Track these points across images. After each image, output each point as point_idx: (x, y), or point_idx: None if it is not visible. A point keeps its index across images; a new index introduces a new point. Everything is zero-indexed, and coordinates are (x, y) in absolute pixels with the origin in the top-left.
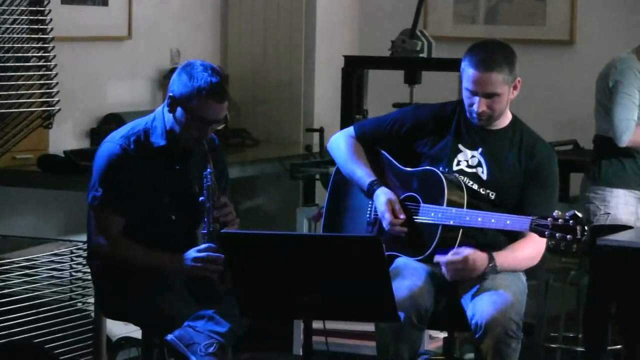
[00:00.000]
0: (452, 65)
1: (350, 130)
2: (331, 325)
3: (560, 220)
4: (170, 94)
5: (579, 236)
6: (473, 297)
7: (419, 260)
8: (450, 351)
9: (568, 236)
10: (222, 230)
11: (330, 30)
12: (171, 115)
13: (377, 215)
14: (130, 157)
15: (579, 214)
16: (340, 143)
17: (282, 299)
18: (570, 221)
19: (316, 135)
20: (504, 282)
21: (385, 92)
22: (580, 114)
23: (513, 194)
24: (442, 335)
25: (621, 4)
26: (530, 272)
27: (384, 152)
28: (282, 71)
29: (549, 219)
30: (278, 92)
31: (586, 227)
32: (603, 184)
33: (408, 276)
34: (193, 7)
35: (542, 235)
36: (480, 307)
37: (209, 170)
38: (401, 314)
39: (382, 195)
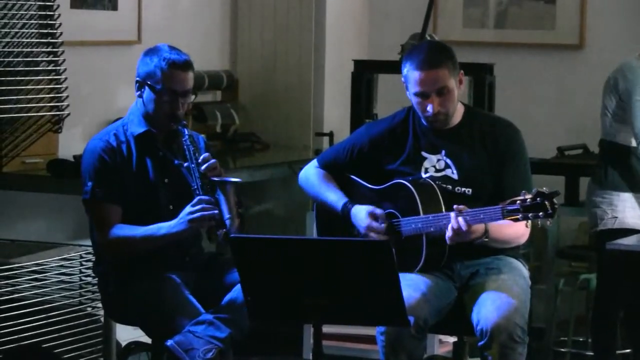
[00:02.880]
0: (462, 69)
1: (315, 162)
2: (341, 329)
3: (528, 201)
4: (137, 79)
5: (550, 211)
6: (476, 300)
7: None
8: (459, 355)
9: (540, 214)
10: (231, 235)
11: (340, 35)
12: (142, 100)
13: (363, 237)
14: (113, 150)
15: (542, 189)
16: (308, 176)
17: (292, 303)
18: (538, 198)
19: (326, 139)
20: (507, 283)
21: (394, 96)
22: (590, 118)
23: (488, 184)
24: (452, 339)
25: (630, 9)
26: (539, 277)
27: (352, 176)
28: (292, 75)
29: (517, 203)
30: (287, 96)
31: (555, 200)
32: (609, 188)
33: (405, 288)
34: (202, 11)
35: (515, 220)
36: (484, 314)
37: (186, 135)
38: (411, 318)
39: (361, 211)
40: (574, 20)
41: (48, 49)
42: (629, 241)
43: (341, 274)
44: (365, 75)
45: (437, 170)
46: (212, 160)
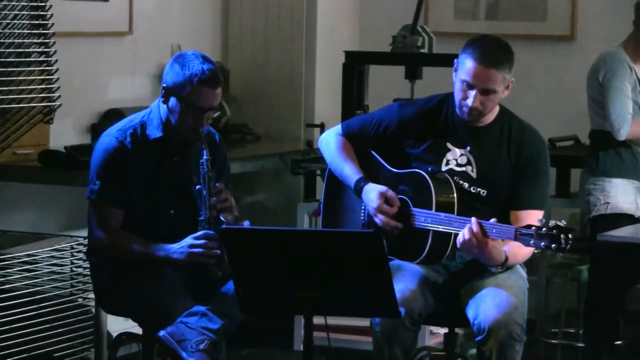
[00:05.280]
0: (453, 60)
1: (339, 128)
2: (331, 320)
3: (544, 230)
4: (164, 85)
5: (563, 245)
6: (474, 295)
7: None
8: (451, 347)
9: (552, 245)
10: (222, 226)
11: (331, 26)
12: (166, 106)
13: (369, 215)
14: (127, 150)
15: (562, 223)
16: (329, 141)
17: (283, 295)
18: (554, 230)
19: (317, 130)
20: (508, 281)
21: (386, 88)
22: (581, 109)
23: (504, 190)
24: (443, 330)
25: (621, 0)
26: (531, 268)
27: (373, 152)
28: (283, 66)
29: (532, 228)
30: (279, 88)
31: (570, 235)
32: (601, 174)
33: (401, 279)
34: (194, 2)
35: (526, 244)
36: (483, 309)
37: (204, 157)
38: (402, 310)
39: (372, 191)
40: (565, 11)
41: (39, 40)
42: (620, 232)
43: (332, 265)
44: (356, 67)
45: (458, 165)
46: (225, 195)
